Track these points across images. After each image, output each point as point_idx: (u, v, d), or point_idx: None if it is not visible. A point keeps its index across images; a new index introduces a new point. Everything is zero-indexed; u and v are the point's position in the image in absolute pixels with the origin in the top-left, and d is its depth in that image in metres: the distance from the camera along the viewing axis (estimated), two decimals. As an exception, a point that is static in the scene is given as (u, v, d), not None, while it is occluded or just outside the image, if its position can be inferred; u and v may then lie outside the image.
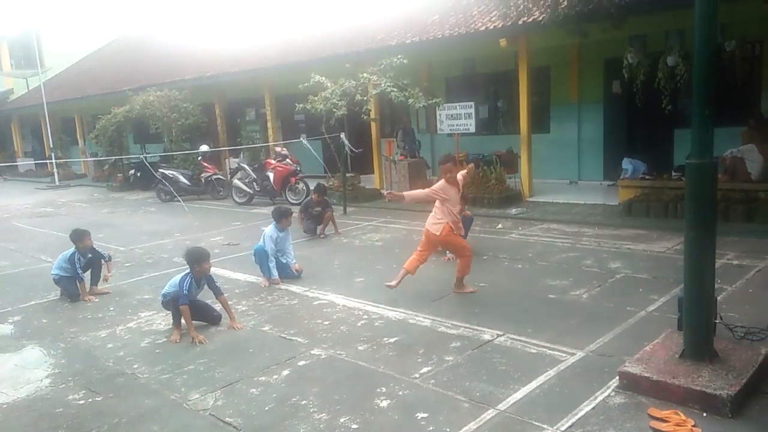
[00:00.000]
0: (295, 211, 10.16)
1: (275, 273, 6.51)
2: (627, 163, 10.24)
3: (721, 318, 3.90)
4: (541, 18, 9.48)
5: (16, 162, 25.66)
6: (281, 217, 6.70)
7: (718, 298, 4.23)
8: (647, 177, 9.55)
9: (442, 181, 5.68)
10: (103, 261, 6.47)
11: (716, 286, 3.97)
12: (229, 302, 5.79)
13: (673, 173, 9.40)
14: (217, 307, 5.38)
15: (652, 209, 8.71)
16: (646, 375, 3.55)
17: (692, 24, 3.49)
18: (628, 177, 9.90)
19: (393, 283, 5.73)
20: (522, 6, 9.52)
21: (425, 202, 6.24)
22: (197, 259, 5.15)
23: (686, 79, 8.51)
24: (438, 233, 5.65)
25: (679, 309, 3.86)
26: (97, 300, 6.26)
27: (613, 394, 3.58)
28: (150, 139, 20.12)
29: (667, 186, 9.02)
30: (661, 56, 8.99)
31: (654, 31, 9.15)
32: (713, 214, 3.66)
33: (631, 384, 3.59)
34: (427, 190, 5.82)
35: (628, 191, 9.43)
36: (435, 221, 5.70)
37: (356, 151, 12.50)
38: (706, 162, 3.54)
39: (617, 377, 3.68)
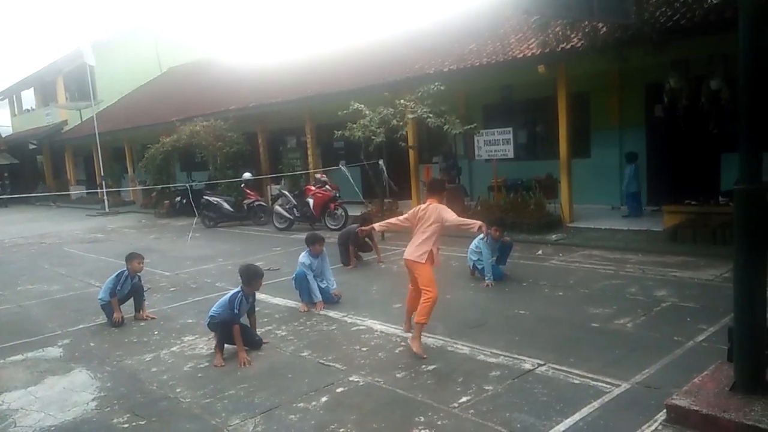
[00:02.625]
0: (332, 236, 10.28)
1: (318, 295, 6.56)
2: (629, 169, 10.80)
3: (774, 349, 3.74)
4: (579, 45, 9.45)
5: (68, 189, 26.76)
6: (313, 243, 6.79)
7: (772, 328, 4.06)
8: (693, 203, 9.29)
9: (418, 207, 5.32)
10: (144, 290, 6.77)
11: (769, 316, 3.82)
12: (269, 327, 5.87)
13: (720, 198, 9.13)
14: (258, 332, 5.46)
15: (698, 235, 8.45)
16: (695, 408, 3.42)
17: (736, 47, 3.44)
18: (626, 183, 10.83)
19: (407, 329, 5.51)
20: (560, 33, 9.50)
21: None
22: (254, 275, 5.32)
23: (731, 103, 8.31)
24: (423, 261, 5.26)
25: (730, 339, 3.72)
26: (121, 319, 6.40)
27: (660, 428, 3.46)
28: (196, 167, 20.74)
29: (714, 211, 8.75)
30: (704, 80, 8.81)
31: (696, 55, 8.99)
32: (764, 242, 3.54)
33: (679, 417, 3.47)
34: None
35: (674, 217, 9.18)
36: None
37: (395, 187, 12.68)
38: (755, 188, 3.45)
39: (665, 410, 3.56)
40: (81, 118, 27.59)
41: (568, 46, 9.68)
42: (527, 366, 4.52)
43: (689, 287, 6.49)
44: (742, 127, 3.46)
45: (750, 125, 3.43)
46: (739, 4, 3.45)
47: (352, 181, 13.73)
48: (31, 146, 32.93)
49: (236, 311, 5.15)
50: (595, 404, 3.81)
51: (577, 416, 3.67)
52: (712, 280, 6.70)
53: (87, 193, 25.08)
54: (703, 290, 6.33)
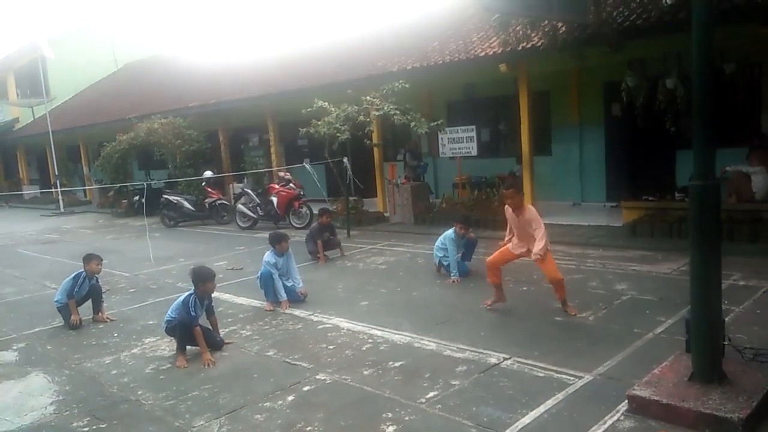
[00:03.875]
0: (297, 235, 10.20)
1: (283, 294, 6.48)
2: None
3: (729, 339, 3.87)
4: (540, 44, 9.59)
5: (21, 189, 25.79)
6: (278, 242, 6.69)
7: (726, 319, 4.19)
8: (650, 199, 9.55)
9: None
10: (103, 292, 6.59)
11: (723, 307, 3.94)
12: (233, 327, 5.77)
13: (677, 194, 9.42)
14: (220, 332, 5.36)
15: (656, 230, 8.69)
16: (655, 398, 3.51)
17: (690, 46, 3.53)
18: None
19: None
20: (521, 32, 9.62)
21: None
22: (203, 278, 5.16)
23: (686, 101, 8.56)
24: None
25: (687, 331, 3.83)
26: (81, 320, 6.23)
27: (622, 418, 3.54)
28: (154, 165, 20.26)
29: (670, 207, 9.01)
30: (660, 79, 9.06)
31: (653, 54, 9.24)
32: (718, 236, 3.65)
33: (640, 408, 3.55)
34: None
35: (632, 212, 9.43)
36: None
37: (350, 178, 12.66)
38: (709, 184, 3.56)
39: (626, 401, 3.65)
40: (33, 115, 26.62)
41: (529, 45, 9.81)
42: (493, 360, 4.57)
43: (648, 280, 6.66)
44: (695, 125, 3.55)
45: (703, 123, 3.52)
46: (693, 5, 3.54)
47: (316, 179, 13.63)
48: (-19, 145, 31.62)
49: (193, 313, 5.01)
50: (560, 396, 3.88)
51: (542, 408, 3.73)
52: (670, 274, 6.90)
53: (41, 192, 24.21)
54: (661, 283, 6.51)
